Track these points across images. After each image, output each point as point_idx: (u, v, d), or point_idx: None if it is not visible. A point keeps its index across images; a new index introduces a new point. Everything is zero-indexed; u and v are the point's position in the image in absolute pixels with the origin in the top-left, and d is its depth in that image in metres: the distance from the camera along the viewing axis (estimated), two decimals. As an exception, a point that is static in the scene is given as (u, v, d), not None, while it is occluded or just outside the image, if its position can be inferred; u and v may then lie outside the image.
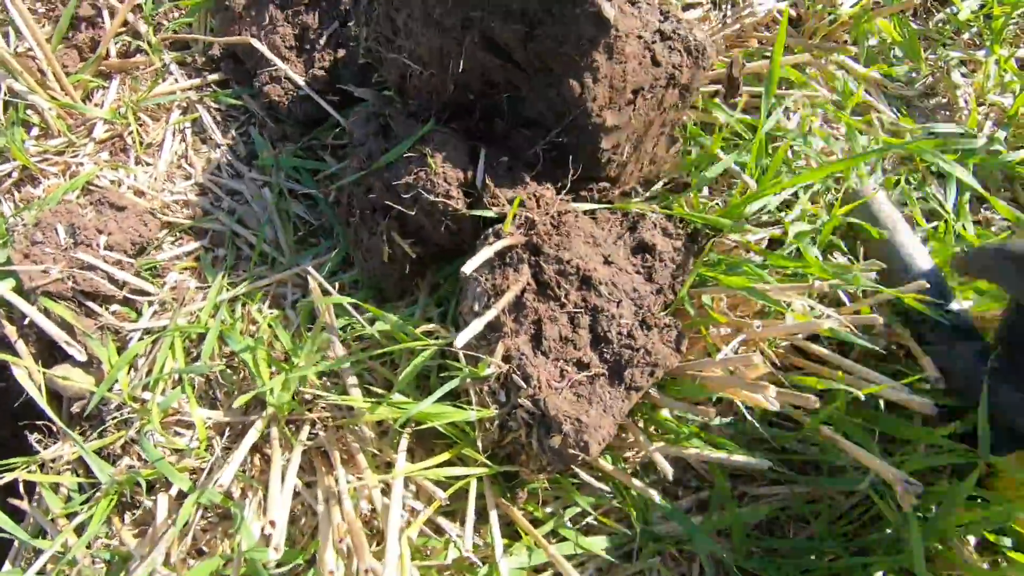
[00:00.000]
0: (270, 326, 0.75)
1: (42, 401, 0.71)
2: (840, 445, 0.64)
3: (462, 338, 0.54)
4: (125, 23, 0.93)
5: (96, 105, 0.90)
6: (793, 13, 0.99)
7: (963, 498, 0.59)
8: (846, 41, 0.93)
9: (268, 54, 0.81)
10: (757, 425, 0.67)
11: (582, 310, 0.61)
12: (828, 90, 0.92)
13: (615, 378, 0.61)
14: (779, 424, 0.73)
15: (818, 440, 0.68)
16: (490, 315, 0.55)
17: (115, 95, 0.91)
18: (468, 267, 0.54)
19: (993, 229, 0.90)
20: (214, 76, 0.92)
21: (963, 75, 0.99)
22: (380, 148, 0.68)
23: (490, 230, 0.61)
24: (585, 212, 0.67)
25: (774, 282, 0.68)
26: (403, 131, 0.67)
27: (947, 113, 0.97)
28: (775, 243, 0.79)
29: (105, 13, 0.93)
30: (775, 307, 0.67)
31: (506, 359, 0.60)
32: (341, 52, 0.85)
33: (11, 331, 0.76)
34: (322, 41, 0.85)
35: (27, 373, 0.74)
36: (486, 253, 0.55)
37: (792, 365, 0.76)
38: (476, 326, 0.54)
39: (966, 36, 1.02)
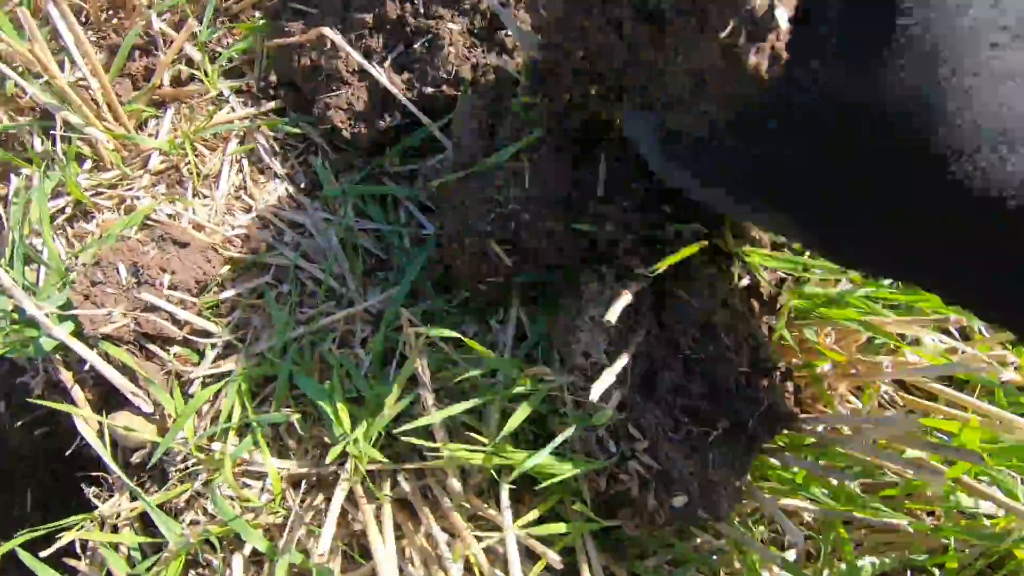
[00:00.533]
0: (342, 365, 0.71)
1: (105, 453, 0.66)
2: (980, 492, 0.59)
3: (597, 390, 0.49)
4: (179, 51, 0.90)
5: (151, 135, 0.87)
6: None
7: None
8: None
9: (344, 46, 0.78)
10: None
11: (699, 356, 0.57)
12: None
13: (736, 432, 0.56)
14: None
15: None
16: (619, 366, 0.51)
17: (170, 125, 0.87)
18: (611, 315, 0.50)
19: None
20: (271, 104, 0.89)
21: None
22: (482, 149, 0.65)
23: (603, 268, 0.57)
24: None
25: (890, 314, 0.64)
26: (510, 134, 0.63)
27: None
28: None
29: (159, 40, 0.90)
30: (893, 341, 0.63)
31: (620, 407, 0.55)
32: (406, 75, 0.82)
33: (67, 377, 0.72)
34: (387, 64, 0.82)
35: (85, 422, 0.69)
36: (623, 301, 0.51)
37: (894, 402, 0.72)
38: (608, 378, 0.50)
39: None
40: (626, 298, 0.51)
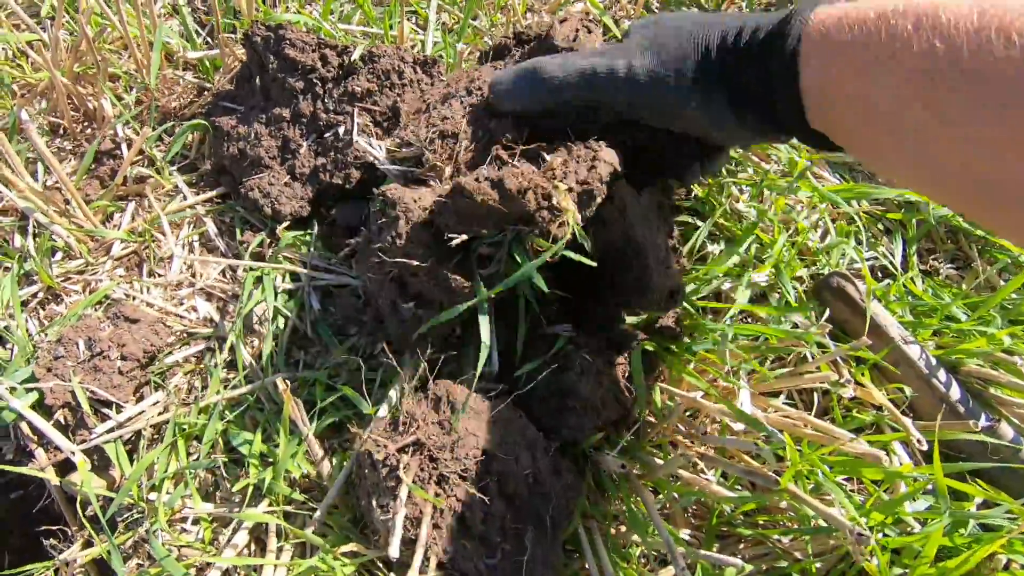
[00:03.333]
0: (264, 423, 0.81)
1: (68, 508, 0.77)
2: (804, 501, 0.67)
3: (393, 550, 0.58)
4: (141, 152, 1.05)
5: (115, 227, 1.01)
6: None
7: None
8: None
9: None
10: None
11: (488, 478, 0.66)
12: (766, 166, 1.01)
13: (541, 529, 0.66)
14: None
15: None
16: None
17: (130, 217, 1.02)
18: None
19: (941, 276, 0.95)
20: (214, 192, 1.03)
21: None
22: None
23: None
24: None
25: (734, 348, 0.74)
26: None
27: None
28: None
29: (124, 146, 1.05)
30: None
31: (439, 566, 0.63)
32: (320, 159, 0.95)
33: (32, 442, 0.83)
34: (303, 150, 0.95)
35: (47, 481, 0.80)
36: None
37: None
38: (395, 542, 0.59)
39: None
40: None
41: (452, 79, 0.82)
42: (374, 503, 0.63)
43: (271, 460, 0.78)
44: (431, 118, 0.72)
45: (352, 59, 0.93)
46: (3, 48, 1.14)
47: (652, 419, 0.80)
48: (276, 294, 0.92)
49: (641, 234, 0.69)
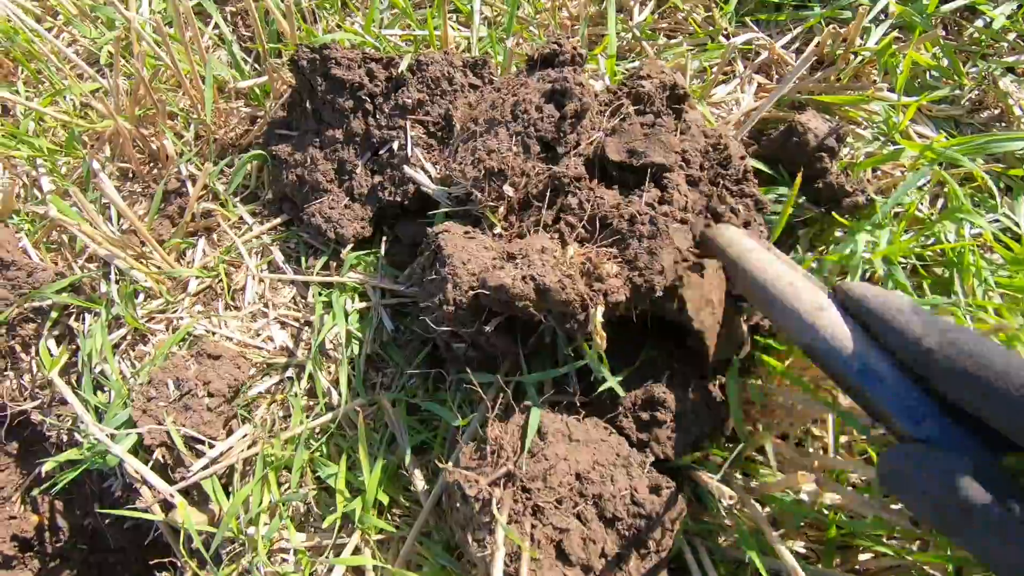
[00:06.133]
0: (348, 450, 0.81)
1: (174, 542, 0.80)
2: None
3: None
4: (205, 187, 1.07)
5: (188, 264, 1.03)
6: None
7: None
8: (875, 80, 0.91)
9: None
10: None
11: (583, 502, 0.62)
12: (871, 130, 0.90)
13: (638, 549, 0.62)
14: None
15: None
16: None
17: (202, 252, 1.04)
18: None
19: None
20: (278, 219, 1.03)
21: (1014, 82, 0.94)
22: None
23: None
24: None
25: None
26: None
27: (1003, 124, 0.92)
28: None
29: (188, 183, 1.07)
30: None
31: None
32: (377, 178, 0.93)
33: (136, 480, 0.86)
34: (359, 170, 0.93)
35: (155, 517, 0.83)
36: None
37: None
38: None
39: (1010, 39, 0.97)
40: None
41: (502, 86, 0.78)
42: (469, 537, 0.61)
43: (359, 487, 0.77)
44: (477, 150, 0.69)
45: (400, 71, 0.90)
46: (70, 99, 1.19)
47: (750, 428, 0.74)
48: (347, 316, 0.92)
49: (700, 320, 0.63)
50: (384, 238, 0.95)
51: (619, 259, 0.61)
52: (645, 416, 0.71)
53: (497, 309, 0.61)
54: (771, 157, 0.88)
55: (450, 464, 0.60)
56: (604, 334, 0.58)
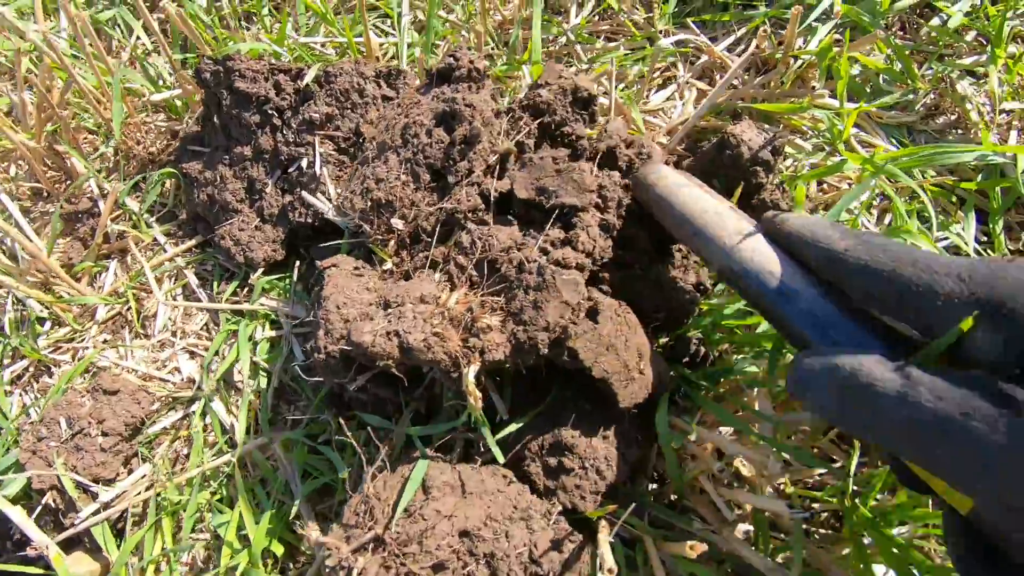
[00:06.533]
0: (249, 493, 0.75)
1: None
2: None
3: None
4: (119, 206, 1.01)
5: (99, 288, 0.98)
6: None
7: None
8: (814, 87, 0.84)
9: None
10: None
11: (473, 563, 0.56)
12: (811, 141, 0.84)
13: None
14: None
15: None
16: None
17: (113, 277, 0.98)
18: None
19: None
20: (192, 241, 0.97)
21: (972, 84, 0.87)
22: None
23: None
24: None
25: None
26: None
27: (959, 132, 0.85)
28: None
29: (101, 203, 1.02)
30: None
31: None
32: (288, 197, 0.87)
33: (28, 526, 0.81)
34: (269, 189, 0.88)
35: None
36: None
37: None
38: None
39: (969, 39, 0.90)
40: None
41: (401, 103, 0.72)
42: (341, 607, 0.55)
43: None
44: (366, 178, 0.63)
45: (306, 83, 0.84)
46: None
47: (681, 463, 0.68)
48: (256, 346, 0.86)
49: (601, 368, 0.58)
50: (298, 261, 0.89)
51: (504, 310, 0.55)
52: (553, 461, 0.65)
53: (364, 363, 0.55)
54: (705, 171, 0.82)
55: (314, 530, 0.54)
56: (478, 394, 0.52)
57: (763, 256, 0.53)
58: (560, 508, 0.64)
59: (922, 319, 0.41)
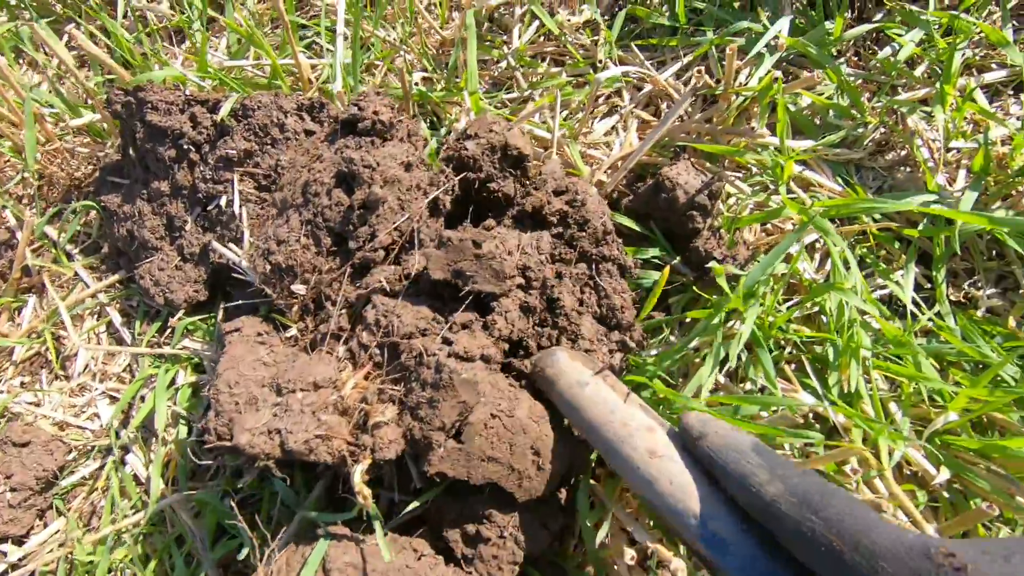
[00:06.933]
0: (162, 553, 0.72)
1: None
2: None
3: None
4: (31, 239, 0.96)
5: (18, 325, 0.93)
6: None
7: None
8: (753, 126, 0.80)
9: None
10: None
11: None
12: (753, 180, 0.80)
13: None
14: None
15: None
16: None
17: (32, 313, 0.93)
18: None
19: (979, 312, 0.73)
20: (115, 276, 0.92)
21: (923, 119, 0.83)
22: None
23: None
24: None
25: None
26: None
27: (908, 170, 0.82)
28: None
29: (19, 235, 0.97)
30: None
31: None
32: (209, 235, 0.83)
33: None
34: (188, 227, 0.83)
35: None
36: None
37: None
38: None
39: (920, 72, 0.86)
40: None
41: (310, 151, 0.67)
42: None
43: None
44: (268, 239, 0.59)
45: (220, 117, 0.79)
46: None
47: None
48: (177, 392, 0.82)
49: (483, 477, 0.56)
50: (223, 302, 0.85)
51: (404, 401, 0.52)
52: (472, 529, 0.63)
53: (242, 464, 0.52)
54: (641, 212, 0.78)
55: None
56: (367, 491, 0.49)
57: (683, 490, 0.47)
58: None
59: None
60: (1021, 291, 0.73)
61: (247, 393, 0.56)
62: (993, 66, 0.86)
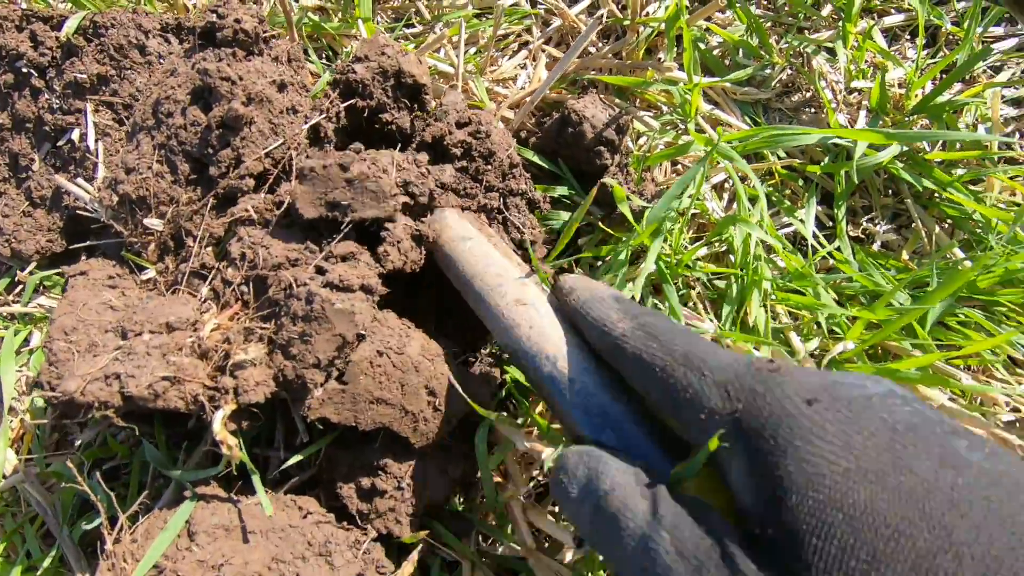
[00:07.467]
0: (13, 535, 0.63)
1: None
2: None
3: None
4: None
5: None
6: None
7: None
8: (660, 57, 0.78)
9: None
10: None
11: None
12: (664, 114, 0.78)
13: None
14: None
15: None
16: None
17: None
18: None
19: (875, 246, 0.75)
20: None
21: (828, 60, 0.84)
22: None
23: None
24: None
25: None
26: None
27: (812, 111, 0.82)
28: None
29: None
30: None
31: None
32: (61, 176, 0.72)
33: None
34: (36, 166, 0.72)
35: None
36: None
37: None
38: None
39: (826, 13, 0.87)
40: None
41: (166, 67, 0.58)
42: None
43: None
44: (116, 167, 0.50)
45: (65, 35, 0.68)
46: None
47: (498, 478, 0.62)
48: (32, 355, 0.72)
49: (372, 421, 0.53)
50: (84, 254, 0.75)
51: (273, 340, 0.46)
52: (366, 483, 0.58)
53: (74, 414, 0.44)
54: (548, 149, 0.74)
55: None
56: (233, 440, 0.43)
57: (541, 334, 0.47)
58: (374, 535, 0.57)
59: (690, 431, 0.35)
60: (913, 226, 0.75)
61: (88, 340, 0.48)
62: (892, 11, 0.88)
